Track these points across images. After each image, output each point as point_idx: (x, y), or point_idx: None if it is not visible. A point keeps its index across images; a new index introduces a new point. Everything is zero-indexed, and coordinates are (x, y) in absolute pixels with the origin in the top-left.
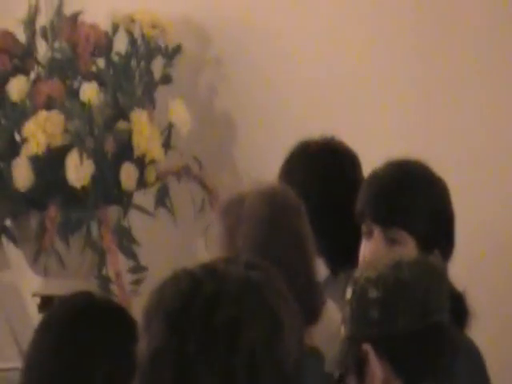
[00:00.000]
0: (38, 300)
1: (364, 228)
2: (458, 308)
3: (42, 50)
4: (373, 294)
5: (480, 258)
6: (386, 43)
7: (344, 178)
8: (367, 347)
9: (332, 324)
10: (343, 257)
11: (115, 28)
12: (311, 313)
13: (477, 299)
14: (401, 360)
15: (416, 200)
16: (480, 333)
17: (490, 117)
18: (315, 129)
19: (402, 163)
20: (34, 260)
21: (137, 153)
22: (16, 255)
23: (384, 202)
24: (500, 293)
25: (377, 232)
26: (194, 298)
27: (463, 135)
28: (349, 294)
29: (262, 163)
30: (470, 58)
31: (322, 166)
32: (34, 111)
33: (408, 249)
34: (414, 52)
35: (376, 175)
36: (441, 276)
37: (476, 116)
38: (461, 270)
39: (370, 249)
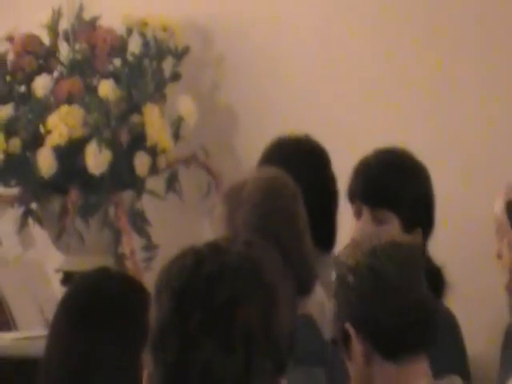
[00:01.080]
0: (60, 275)
1: (354, 209)
2: (436, 281)
3: (64, 50)
4: (350, 280)
5: (456, 236)
6: (380, 43)
7: (316, 175)
8: (348, 326)
9: (322, 295)
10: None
11: (129, 31)
12: (304, 285)
13: (453, 272)
14: (378, 338)
15: (402, 184)
16: (456, 301)
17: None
18: (307, 120)
19: (390, 151)
20: (57, 239)
21: (149, 143)
22: (40, 235)
23: (373, 184)
24: (473, 266)
25: (365, 212)
26: (197, 273)
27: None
28: (333, 276)
29: (261, 152)
30: (457, 59)
31: (296, 165)
32: (57, 106)
33: (393, 228)
34: (404, 53)
35: (366, 161)
36: (414, 259)
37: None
38: (440, 246)
39: (359, 228)
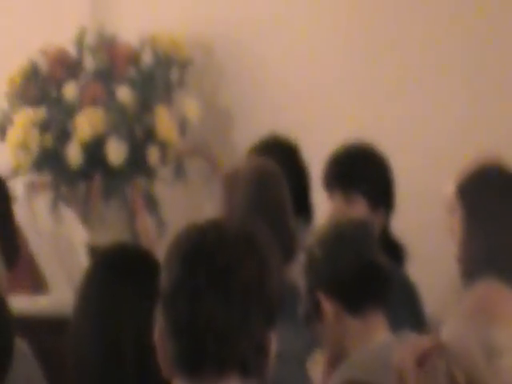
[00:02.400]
0: (86, 248)
1: (328, 192)
2: (397, 251)
3: (89, 62)
4: (318, 252)
5: (418, 213)
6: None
7: (291, 163)
8: (319, 293)
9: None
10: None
11: (142, 46)
12: (287, 254)
13: (412, 243)
14: (344, 296)
15: (367, 169)
16: (416, 268)
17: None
18: (292, 119)
19: (357, 144)
20: (83, 217)
21: (159, 138)
22: (69, 214)
23: (342, 170)
24: (430, 239)
25: (338, 195)
26: (201, 243)
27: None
28: (303, 258)
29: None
30: (424, 55)
31: (276, 156)
32: (83, 107)
33: (361, 208)
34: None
35: (337, 152)
36: (370, 229)
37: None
38: (400, 223)
39: (333, 208)
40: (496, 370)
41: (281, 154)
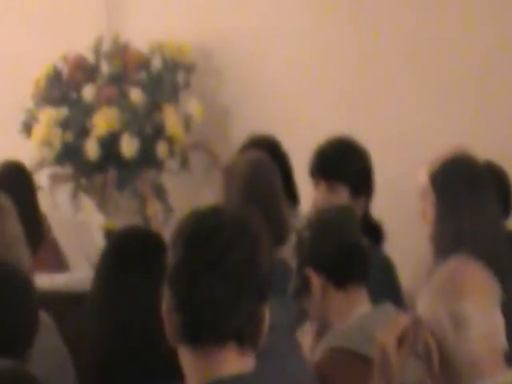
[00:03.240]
0: (102, 232)
1: (314, 182)
2: (376, 233)
3: (104, 66)
4: (306, 234)
5: (395, 199)
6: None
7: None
8: (308, 270)
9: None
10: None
11: (152, 52)
12: (280, 237)
13: (391, 226)
14: (330, 272)
15: (349, 161)
16: (393, 248)
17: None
18: (280, 116)
19: (339, 138)
20: (99, 204)
21: (167, 134)
22: (88, 201)
23: (327, 162)
24: (406, 222)
25: (322, 184)
26: (201, 227)
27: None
28: (295, 236)
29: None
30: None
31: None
32: (99, 107)
33: (343, 195)
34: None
35: (322, 145)
36: (352, 214)
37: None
38: (380, 208)
39: (317, 197)
40: (464, 339)
41: (266, 149)
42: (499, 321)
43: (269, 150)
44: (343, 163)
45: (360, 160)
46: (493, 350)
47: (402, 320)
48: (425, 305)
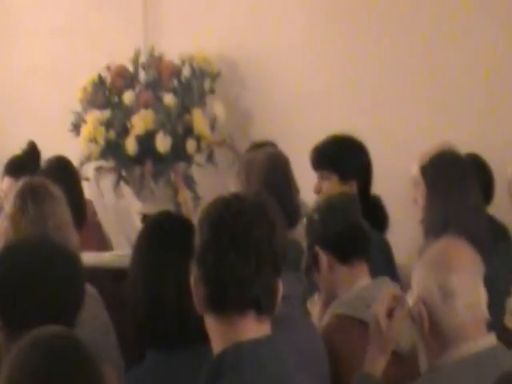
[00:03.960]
0: (140, 216)
1: (317, 174)
2: (380, 214)
3: (142, 75)
4: (315, 216)
5: (394, 188)
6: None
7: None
8: (317, 248)
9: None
10: None
11: (183, 62)
12: (293, 219)
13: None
14: (336, 248)
15: (339, 153)
16: (395, 231)
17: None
18: (295, 118)
19: (334, 135)
20: (137, 193)
21: (195, 132)
22: (127, 190)
23: (322, 155)
24: (400, 206)
25: (317, 173)
26: (225, 211)
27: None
28: (305, 219)
29: (269, 138)
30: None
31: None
32: (138, 110)
33: (333, 182)
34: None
35: (319, 142)
36: (355, 200)
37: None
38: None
39: (318, 185)
40: (450, 308)
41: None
42: (482, 293)
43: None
44: (338, 155)
45: (355, 152)
46: (476, 319)
47: (392, 293)
48: (418, 277)
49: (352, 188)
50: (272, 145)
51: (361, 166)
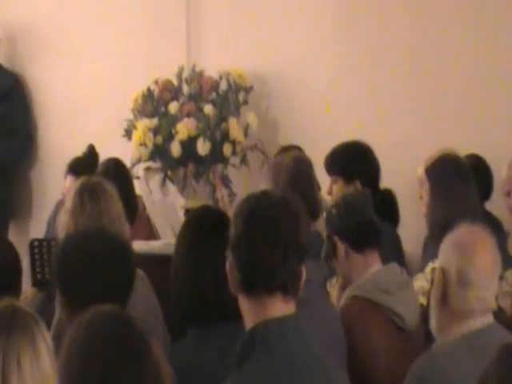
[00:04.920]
0: (183, 210)
1: (331, 178)
2: (391, 208)
3: (185, 88)
4: (333, 211)
5: (403, 186)
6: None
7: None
8: (334, 238)
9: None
10: None
11: (220, 77)
12: (314, 214)
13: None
14: (351, 238)
15: (346, 159)
16: (407, 225)
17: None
18: (317, 125)
19: (341, 143)
20: (181, 190)
21: (231, 138)
22: (173, 188)
23: (331, 162)
24: (407, 202)
25: (334, 180)
26: (256, 206)
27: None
28: (325, 213)
29: (294, 143)
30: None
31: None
32: (181, 118)
33: (340, 184)
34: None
35: (329, 152)
36: (368, 197)
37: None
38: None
39: (330, 187)
40: (463, 294)
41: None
42: (495, 287)
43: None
44: (337, 160)
45: (363, 158)
46: (483, 308)
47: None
48: (444, 249)
49: (357, 187)
50: (298, 148)
51: (363, 168)
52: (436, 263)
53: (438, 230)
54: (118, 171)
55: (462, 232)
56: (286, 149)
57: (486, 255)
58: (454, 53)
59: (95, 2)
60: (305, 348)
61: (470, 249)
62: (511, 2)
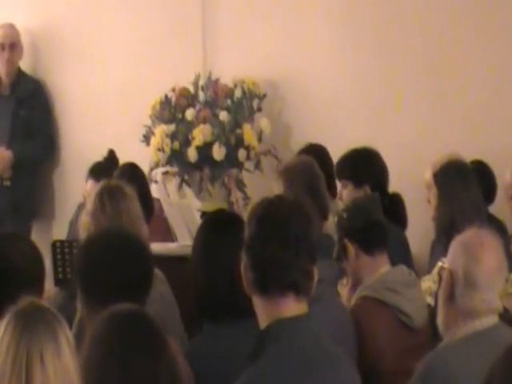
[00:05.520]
0: (199, 213)
1: (341, 183)
2: (399, 212)
3: (201, 95)
4: (344, 214)
5: (411, 191)
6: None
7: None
8: (345, 239)
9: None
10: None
11: (235, 85)
12: (324, 215)
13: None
14: (361, 240)
15: (356, 165)
16: (412, 226)
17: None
18: (327, 132)
19: (351, 149)
20: (197, 193)
21: (245, 143)
22: (189, 191)
23: (340, 168)
24: (419, 208)
25: (343, 185)
26: (269, 208)
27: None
28: (336, 218)
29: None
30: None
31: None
32: (198, 124)
33: (349, 189)
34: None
35: (339, 158)
36: (377, 201)
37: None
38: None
39: (340, 192)
40: (468, 295)
41: (316, 154)
42: (500, 288)
43: (319, 155)
44: (346, 166)
45: (371, 163)
46: (489, 309)
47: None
48: (453, 250)
49: (366, 192)
50: (323, 148)
51: (372, 173)
52: (443, 262)
53: (444, 232)
54: (133, 175)
55: (471, 235)
56: (312, 146)
57: (493, 258)
58: (458, 58)
59: (116, 12)
60: (317, 345)
61: (477, 251)
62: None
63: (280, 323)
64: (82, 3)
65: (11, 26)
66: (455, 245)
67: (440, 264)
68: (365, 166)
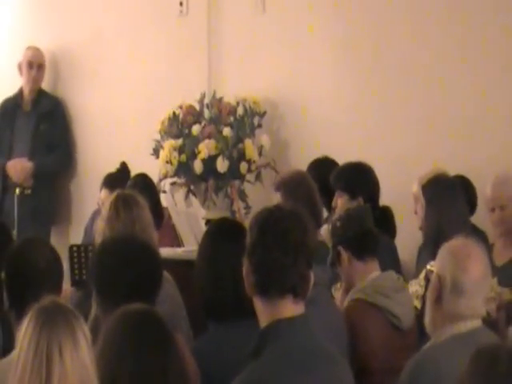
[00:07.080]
0: (204, 221)
1: (337, 193)
2: (388, 222)
3: (206, 113)
4: (338, 224)
5: (400, 202)
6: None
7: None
8: (339, 247)
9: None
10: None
11: (238, 103)
12: (318, 223)
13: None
14: (353, 247)
15: (352, 177)
16: (402, 236)
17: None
18: (324, 147)
19: (347, 162)
20: (203, 203)
21: (247, 157)
22: (195, 201)
23: (337, 179)
24: (403, 216)
25: (339, 194)
26: (269, 217)
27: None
28: (330, 227)
29: (302, 162)
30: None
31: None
32: (203, 139)
33: (344, 199)
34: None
35: (335, 169)
36: (368, 211)
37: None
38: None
39: (335, 200)
40: (454, 301)
41: (327, 167)
42: (485, 295)
43: (321, 170)
44: (341, 178)
45: (363, 176)
46: (473, 315)
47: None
48: (440, 256)
49: (360, 203)
50: (332, 160)
51: (366, 186)
52: (431, 265)
53: (432, 239)
54: (145, 185)
55: (459, 244)
56: (322, 159)
57: (479, 268)
58: (448, 79)
59: (130, 37)
60: (314, 343)
61: (464, 262)
62: (502, 25)
63: (279, 323)
64: (100, 29)
65: (38, 49)
66: (444, 252)
67: (428, 267)
68: (359, 179)
